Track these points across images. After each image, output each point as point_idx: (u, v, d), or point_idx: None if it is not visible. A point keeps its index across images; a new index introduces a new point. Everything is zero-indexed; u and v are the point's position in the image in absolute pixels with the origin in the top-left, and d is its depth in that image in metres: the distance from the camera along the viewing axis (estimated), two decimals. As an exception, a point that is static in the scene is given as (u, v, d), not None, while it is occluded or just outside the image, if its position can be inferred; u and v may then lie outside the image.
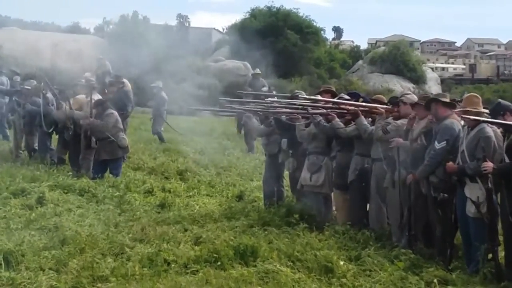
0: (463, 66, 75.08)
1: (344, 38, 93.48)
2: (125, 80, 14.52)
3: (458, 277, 6.27)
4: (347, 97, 9.17)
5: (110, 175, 10.95)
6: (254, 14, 45.03)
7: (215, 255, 6.65)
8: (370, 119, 8.28)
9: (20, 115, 13.00)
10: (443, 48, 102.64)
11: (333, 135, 8.69)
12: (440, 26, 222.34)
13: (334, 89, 9.89)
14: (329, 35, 78.42)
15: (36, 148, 12.98)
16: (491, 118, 6.61)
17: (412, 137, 7.40)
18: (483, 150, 6.30)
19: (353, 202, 8.41)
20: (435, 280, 6.16)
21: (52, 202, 9.06)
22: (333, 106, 8.62)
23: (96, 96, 11.66)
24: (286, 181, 10.20)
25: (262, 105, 9.65)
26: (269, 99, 9.85)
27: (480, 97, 6.98)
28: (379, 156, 7.88)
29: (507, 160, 6.26)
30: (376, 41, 76.59)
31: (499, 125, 6.59)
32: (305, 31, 43.39)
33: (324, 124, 8.63)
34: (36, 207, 8.78)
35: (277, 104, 9.35)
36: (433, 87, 44.92)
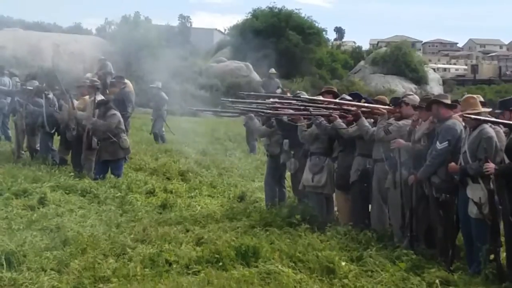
0: (465, 67, 75.04)
1: (346, 38, 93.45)
2: (127, 81, 14.53)
3: (460, 277, 6.26)
4: (348, 97, 9.16)
5: (112, 176, 10.96)
6: (256, 14, 45.04)
7: (216, 255, 6.65)
8: (372, 120, 8.27)
9: (22, 116, 13.01)
10: (445, 49, 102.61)
11: (335, 135, 8.68)
12: (442, 27, 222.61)
13: (336, 90, 9.88)
14: (331, 35, 78.36)
15: (38, 148, 12.99)
16: (500, 110, 6.61)
17: (414, 138, 7.40)
18: (485, 151, 6.30)
19: (354, 202, 8.40)
20: (437, 281, 6.15)
21: (54, 203, 9.07)
22: (335, 106, 8.62)
23: (99, 97, 11.67)
24: (287, 182, 10.19)
25: (264, 105, 9.64)
26: (271, 99, 9.84)
27: (476, 97, 6.97)
28: (381, 156, 7.88)
29: (506, 160, 6.26)
30: (378, 42, 76.49)
31: (501, 124, 6.59)
32: (307, 31, 43.39)
33: (326, 124, 8.63)
34: (38, 208, 8.79)
35: (278, 105, 9.34)
36: (435, 88, 44.89)
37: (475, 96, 7.05)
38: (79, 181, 10.36)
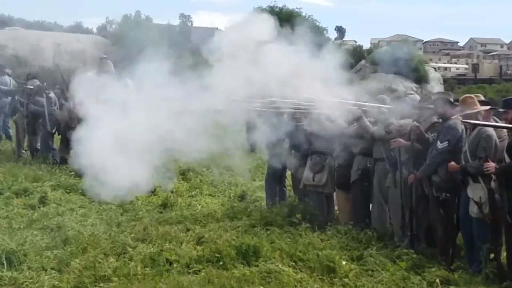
0: (466, 66, 75.05)
1: (346, 38, 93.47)
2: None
3: (460, 277, 6.26)
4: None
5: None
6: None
7: (217, 255, 6.65)
8: (372, 119, 8.26)
9: (23, 115, 13.02)
10: (445, 48, 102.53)
11: (336, 134, 8.66)
12: (443, 26, 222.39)
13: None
14: (332, 35, 78.39)
15: (39, 147, 13.00)
16: (503, 109, 6.61)
17: (414, 137, 7.40)
18: (484, 150, 6.29)
19: (355, 202, 8.40)
20: (437, 280, 6.15)
21: (55, 202, 9.08)
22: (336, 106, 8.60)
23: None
24: (288, 181, 10.19)
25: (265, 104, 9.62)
26: (272, 98, 9.82)
27: (474, 96, 6.96)
28: (382, 156, 7.87)
29: (507, 159, 6.26)
30: (379, 41, 76.45)
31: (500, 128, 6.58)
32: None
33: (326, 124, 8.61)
34: (39, 207, 8.80)
35: (279, 104, 9.32)
36: (436, 87, 44.81)
37: (472, 95, 7.04)
38: (80, 180, 10.36)
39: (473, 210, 6.43)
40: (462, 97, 6.91)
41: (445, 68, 70.84)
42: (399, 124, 7.77)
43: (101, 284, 6.00)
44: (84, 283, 5.98)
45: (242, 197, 10.65)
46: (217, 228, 8.08)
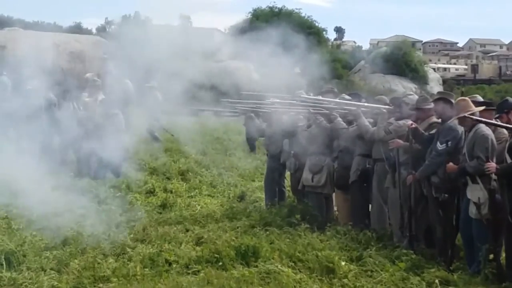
0: (465, 67, 75.08)
1: (346, 38, 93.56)
2: (127, 81, 14.50)
3: (460, 277, 6.26)
4: (347, 97, 9.16)
5: (112, 176, 10.96)
6: (256, 14, 45.04)
7: (216, 255, 6.66)
8: (371, 119, 8.27)
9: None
10: (445, 49, 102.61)
11: (335, 135, 8.68)
12: (442, 27, 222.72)
13: (335, 89, 9.88)
14: (331, 35, 78.42)
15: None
16: (497, 113, 6.64)
17: (412, 138, 7.40)
18: (486, 150, 6.30)
19: (354, 202, 8.40)
20: (436, 281, 6.15)
21: (54, 203, 9.05)
22: (335, 106, 8.62)
23: (101, 96, 11.67)
24: (287, 182, 10.19)
25: (264, 105, 9.64)
26: (271, 99, 9.84)
27: (467, 98, 6.96)
28: (381, 156, 7.87)
29: (508, 160, 6.26)
30: (378, 42, 76.61)
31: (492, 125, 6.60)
32: (307, 31, 43.40)
33: (326, 124, 8.63)
34: (38, 208, 8.77)
35: (278, 105, 9.34)
36: (435, 88, 44.91)
37: (466, 98, 7.04)
38: (79, 180, 10.36)
39: (472, 211, 6.44)
40: (456, 101, 6.90)
41: (445, 69, 70.87)
42: (398, 125, 7.78)
43: (100, 285, 6.00)
44: (83, 283, 5.98)
45: (241, 198, 10.66)
46: (216, 229, 8.08)
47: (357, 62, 49.32)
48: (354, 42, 75.56)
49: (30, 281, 5.94)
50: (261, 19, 43.34)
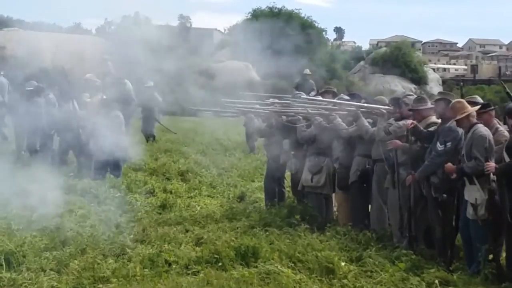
0: (465, 67, 75.05)
1: (345, 39, 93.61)
2: (126, 81, 14.51)
3: (459, 278, 6.26)
4: (346, 97, 9.16)
5: (111, 176, 10.95)
6: (256, 14, 45.06)
7: (216, 256, 6.66)
8: (371, 120, 8.27)
9: (22, 116, 12.98)
10: (444, 49, 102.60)
11: (334, 136, 8.68)
12: (442, 27, 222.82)
13: (335, 90, 9.89)
14: (331, 35, 78.50)
15: (38, 149, 12.97)
16: (508, 117, 6.62)
17: (411, 139, 7.41)
18: (484, 150, 6.30)
19: (354, 203, 8.40)
20: (436, 281, 6.16)
21: (53, 203, 9.05)
22: (334, 107, 8.62)
23: (101, 97, 11.67)
24: (287, 182, 10.19)
25: (264, 106, 9.65)
26: (270, 100, 9.86)
27: (462, 100, 6.95)
28: (381, 157, 7.87)
29: (507, 159, 6.26)
30: (378, 42, 76.61)
31: None
32: (307, 32, 43.43)
33: (325, 125, 8.63)
34: (37, 208, 8.77)
35: (278, 105, 9.35)
36: (435, 88, 44.97)
37: (461, 99, 7.03)
38: (79, 181, 10.35)
39: (469, 211, 6.45)
40: (451, 104, 6.88)
41: (444, 69, 70.86)
42: (398, 125, 7.78)
43: (100, 285, 6.00)
44: (83, 284, 5.98)
45: (241, 198, 10.66)
46: (216, 229, 8.08)
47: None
48: (354, 42, 75.61)
49: (30, 281, 5.94)
50: (261, 19, 43.39)
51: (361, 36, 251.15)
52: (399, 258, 6.80)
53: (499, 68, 69.76)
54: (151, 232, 7.75)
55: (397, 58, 46.35)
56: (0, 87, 15.48)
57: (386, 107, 8.21)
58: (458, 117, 6.58)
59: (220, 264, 6.49)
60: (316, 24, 46.02)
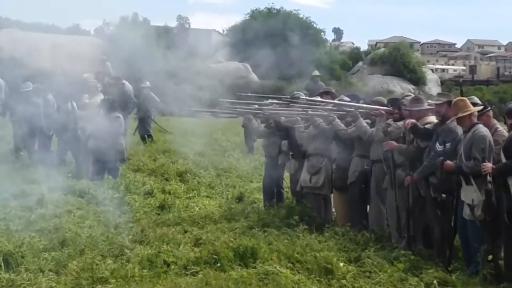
0: (463, 68, 75.01)
1: (344, 39, 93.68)
2: (125, 81, 14.51)
3: (458, 278, 6.27)
4: (346, 98, 9.17)
5: (110, 177, 10.94)
6: (254, 15, 45.07)
7: (214, 256, 6.66)
8: (369, 121, 8.28)
9: (20, 117, 12.98)
10: (443, 50, 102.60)
11: (333, 136, 8.69)
12: (440, 28, 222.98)
13: (333, 91, 9.90)
14: (329, 36, 78.55)
15: (37, 149, 12.97)
16: (507, 117, 6.62)
17: (409, 139, 7.42)
18: (482, 151, 6.30)
19: (352, 203, 8.40)
20: (434, 282, 6.17)
21: (52, 204, 9.05)
22: (333, 107, 8.62)
23: (101, 98, 11.66)
24: (286, 183, 10.19)
25: (262, 106, 9.64)
26: (269, 100, 9.86)
27: (465, 98, 6.96)
28: (379, 157, 7.88)
29: (503, 160, 6.27)
30: (376, 43, 76.63)
31: None
32: (305, 32, 43.44)
33: (324, 125, 8.64)
34: (36, 209, 8.77)
35: (277, 106, 9.35)
36: (433, 89, 44.99)
37: (464, 98, 7.04)
38: (77, 182, 10.35)
39: (466, 212, 6.45)
40: (454, 101, 6.89)
41: (443, 70, 70.85)
42: (396, 126, 7.79)
43: (99, 286, 6.00)
44: (81, 284, 5.98)
45: (239, 199, 10.65)
46: (214, 230, 8.08)
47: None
48: (352, 43, 75.57)
49: (29, 282, 5.94)
50: (259, 20, 43.39)
51: (360, 37, 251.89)
52: (397, 259, 6.81)
53: (498, 68, 69.79)
54: (149, 233, 7.75)
55: (396, 59, 46.36)
56: None
57: (385, 107, 8.22)
58: (460, 115, 6.58)
59: (218, 264, 6.49)
60: (315, 25, 46.03)
